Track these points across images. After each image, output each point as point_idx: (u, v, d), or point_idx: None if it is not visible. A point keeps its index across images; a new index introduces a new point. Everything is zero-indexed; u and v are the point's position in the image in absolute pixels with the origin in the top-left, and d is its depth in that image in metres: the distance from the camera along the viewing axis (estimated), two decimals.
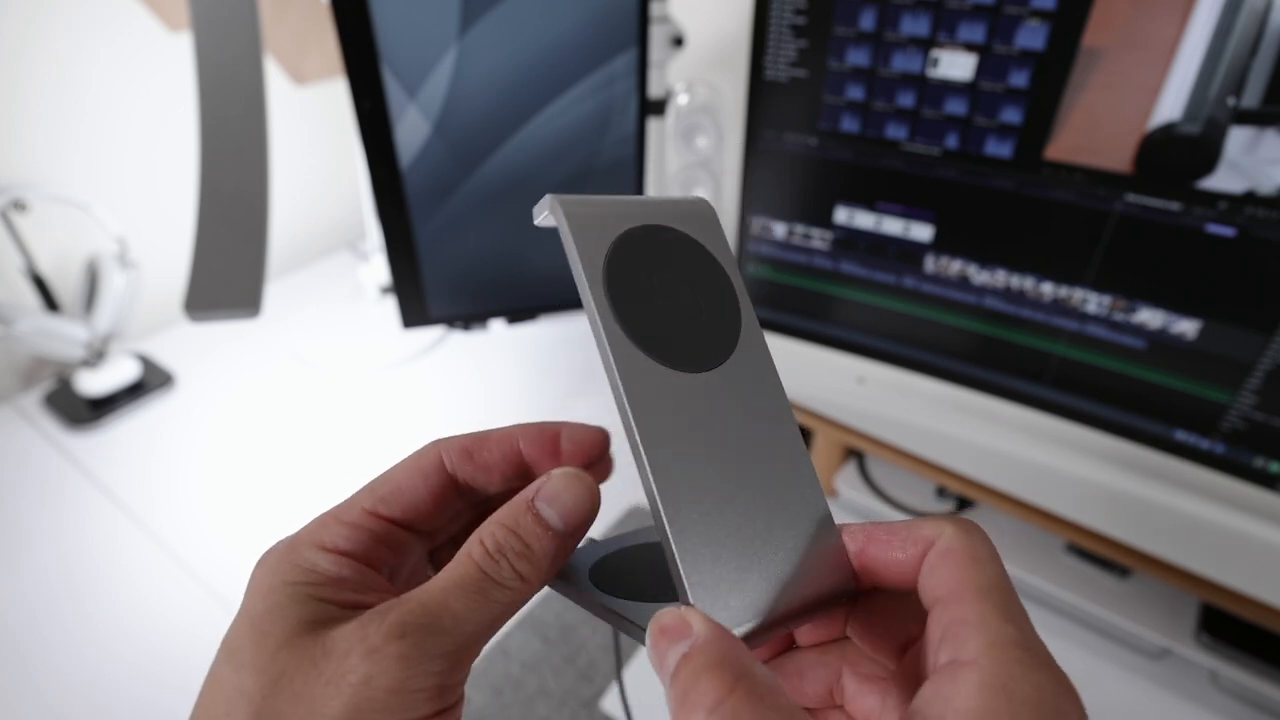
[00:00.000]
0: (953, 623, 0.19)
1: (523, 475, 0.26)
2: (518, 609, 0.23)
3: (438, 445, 0.26)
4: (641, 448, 0.20)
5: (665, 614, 0.20)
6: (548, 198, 0.22)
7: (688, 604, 0.20)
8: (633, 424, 0.20)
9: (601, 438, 0.27)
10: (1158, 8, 0.50)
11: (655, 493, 0.20)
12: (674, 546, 0.20)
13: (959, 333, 0.68)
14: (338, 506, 0.25)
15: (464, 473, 0.26)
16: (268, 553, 0.24)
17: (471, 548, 0.23)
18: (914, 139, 0.62)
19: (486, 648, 0.25)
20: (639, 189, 0.74)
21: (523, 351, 0.98)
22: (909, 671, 0.22)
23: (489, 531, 0.23)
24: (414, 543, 0.26)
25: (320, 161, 1.13)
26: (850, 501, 0.78)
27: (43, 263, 0.87)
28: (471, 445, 0.26)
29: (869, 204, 0.66)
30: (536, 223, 0.22)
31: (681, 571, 0.20)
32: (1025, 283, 0.63)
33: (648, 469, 0.20)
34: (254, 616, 0.22)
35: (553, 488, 0.23)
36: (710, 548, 0.20)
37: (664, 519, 0.20)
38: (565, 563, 0.24)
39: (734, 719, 0.17)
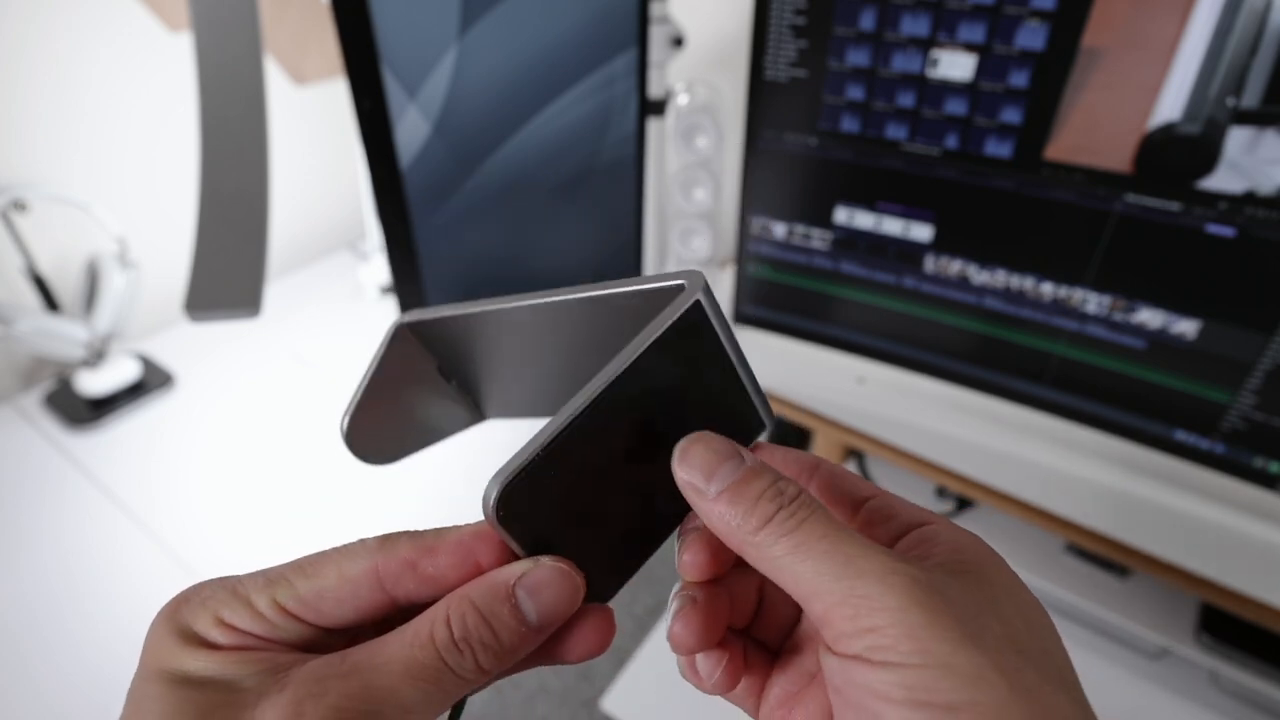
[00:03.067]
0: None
1: None
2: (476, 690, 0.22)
3: (374, 558, 0.21)
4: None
5: (706, 439, 0.21)
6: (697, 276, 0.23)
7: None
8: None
9: None
10: (1157, 8, 0.50)
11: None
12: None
13: (959, 333, 0.68)
14: (252, 577, 0.21)
15: (405, 591, 0.22)
16: (179, 600, 0.21)
17: (435, 629, 0.20)
18: (914, 139, 0.62)
19: None
20: (639, 189, 0.74)
21: None
22: None
23: (459, 613, 0.20)
24: (328, 638, 0.22)
25: (320, 161, 1.13)
26: None
27: (43, 263, 0.87)
28: (416, 556, 0.22)
29: (869, 204, 0.66)
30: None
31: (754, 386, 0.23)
32: (1025, 283, 0.63)
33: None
34: (149, 681, 0.20)
35: (538, 578, 0.21)
36: None
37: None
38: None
39: (812, 507, 0.20)
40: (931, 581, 0.19)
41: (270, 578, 0.21)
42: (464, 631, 0.20)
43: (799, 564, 0.19)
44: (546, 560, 0.21)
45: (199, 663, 0.20)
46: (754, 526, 0.20)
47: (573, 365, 0.25)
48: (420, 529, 0.22)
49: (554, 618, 0.21)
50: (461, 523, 0.22)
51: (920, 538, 0.22)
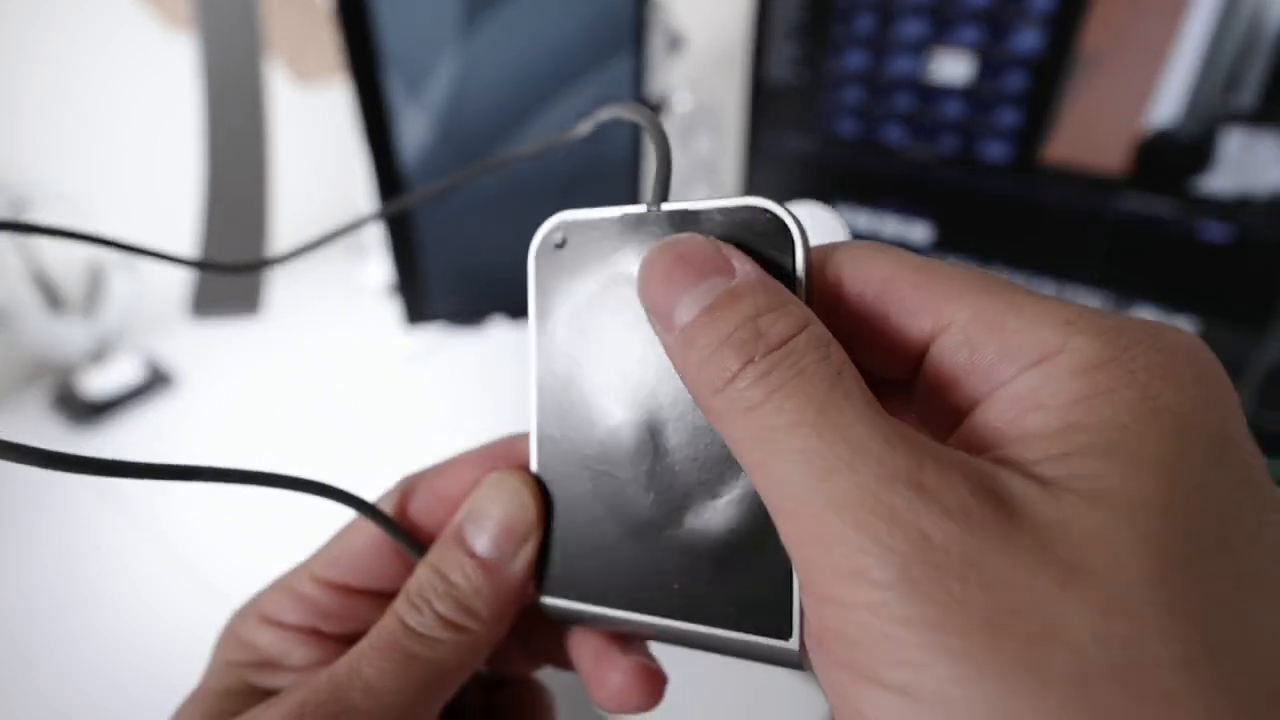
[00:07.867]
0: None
1: None
2: (469, 668, 0.18)
3: (397, 499, 0.20)
4: None
5: (684, 239, 0.15)
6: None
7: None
8: None
9: None
10: (1153, 11, 0.50)
11: None
12: None
13: None
14: (291, 570, 0.21)
15: (436, 521, 0.20)
16: (229, 620, 0.21)
17: (398, 598, 0.19)
18: (912, 142, 0.62)
19: None
20: (636, 191, 0.74)
21: (525, 350, 0.98)
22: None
23: (415, 573, 0.19)
24: (382, 609, 0.20)
25: (320, 161, 1.13)
26: None
27: (45, 263, 0.87)
28: (439, 482, 0.20)
29: (868, 206, 0.67)
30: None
31: None
32: (1023, 283, 0.63)
33: None
34: (189, 702, 0.19)
35: (476, 502, 0.19)
36: None
37: None
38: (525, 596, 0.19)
39: (800, 365, 0.13)
40: (962, 554, 0.10)
41: (307, 559, 0.21)
42: (417, 585, 0.18)
43: (764, 463, 0.13)
44: (486, 479, 0.19)
45: (232, 680, 0.20)
46: (712, 387, 0.13)
47: None
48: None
49: (510, 536, 0.18)
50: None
51: (1037, 397, 0.13)
